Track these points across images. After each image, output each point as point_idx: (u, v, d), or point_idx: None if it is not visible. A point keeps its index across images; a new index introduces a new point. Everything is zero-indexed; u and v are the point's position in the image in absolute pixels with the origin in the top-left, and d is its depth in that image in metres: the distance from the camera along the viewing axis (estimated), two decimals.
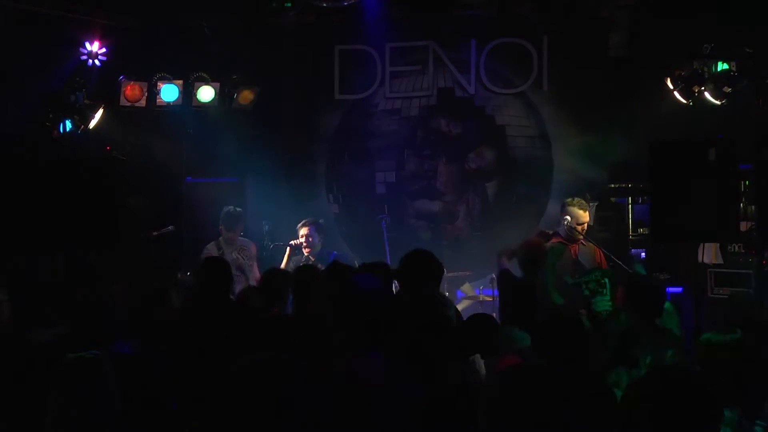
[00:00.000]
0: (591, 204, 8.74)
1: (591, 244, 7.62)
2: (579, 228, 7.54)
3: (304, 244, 8.18)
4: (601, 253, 7.55)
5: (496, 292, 7.73)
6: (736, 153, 6.16)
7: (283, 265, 8.13)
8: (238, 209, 8.61)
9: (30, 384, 4.37)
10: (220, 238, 8.53)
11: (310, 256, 8.13)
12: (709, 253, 8.15)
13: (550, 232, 7.71)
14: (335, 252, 8.26)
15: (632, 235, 9.04)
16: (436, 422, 3.62)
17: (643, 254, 8.79)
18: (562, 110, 9.90)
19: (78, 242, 6.33)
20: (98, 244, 6.41)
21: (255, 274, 8.20)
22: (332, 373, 3.81)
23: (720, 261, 8.24)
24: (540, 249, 6.89)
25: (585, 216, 7.62)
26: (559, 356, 3.90)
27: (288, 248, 8.30)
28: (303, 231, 8.26)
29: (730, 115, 8.26)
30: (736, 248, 8.25)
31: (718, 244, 8.13)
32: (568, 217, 7.57)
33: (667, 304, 5.64)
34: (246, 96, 9.89)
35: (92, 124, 9.15)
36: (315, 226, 8.30)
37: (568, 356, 3.90)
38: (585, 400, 3.63)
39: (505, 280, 6.82)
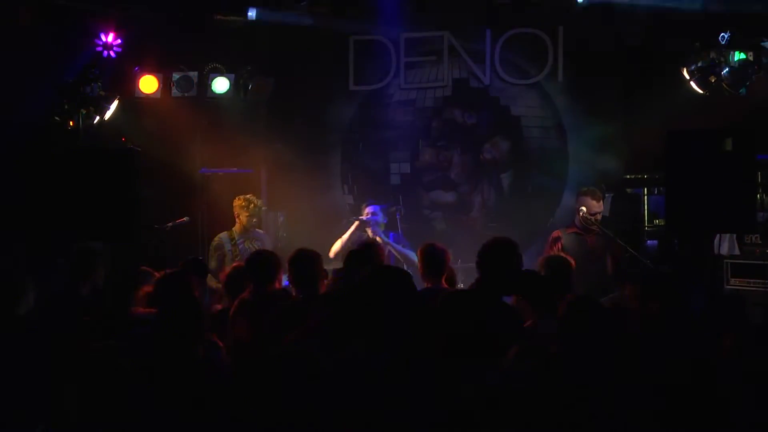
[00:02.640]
0: (606, 195, 8.72)
1: (607, 235, 7.59)
2: (593, 218, 7.54)
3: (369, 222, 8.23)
4: (617, 244, 7.52)
5: None
6: (755, 143, 6.12)
7: (345, 238, 8.21)
8: (259, 200, 8.67)
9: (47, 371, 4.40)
10: (234, 228, 8.56)
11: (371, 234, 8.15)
12: (725, 244, 8.12)
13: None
14: (393, 233, 8.28)
15: (648, 226, 9.00)
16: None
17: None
18: (577, 100, 9.86)
19: (93, 234, 6.35)
20: (113, 235, 6.42)
21: None
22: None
23: (736, 252, 8.20)
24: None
25: (598, 206, 7.61)
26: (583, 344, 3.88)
27: (356, 222, 8.31)
28: (367, 209, 8.34)
29: (747, 105, 8.21)
30: (753, 239, 8.21)
31: (735, 235, 8.10)
32: (584, 208, 7.57)
33: None
34: (261, 87, 9.90)
35: (107, 115, 9.19)
36: (379, 206, 8.38)
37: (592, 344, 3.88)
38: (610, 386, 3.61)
39: None
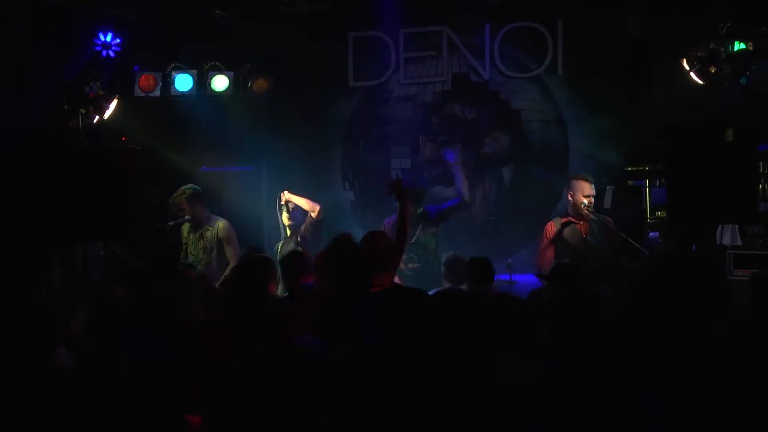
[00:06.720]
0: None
1: (604, 221, 7.57)
2: (586, 201, 7.52)
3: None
4: (615, 231, 7.48)
5: (515, 277, 7.70)
6: (755, 133, 6.10)
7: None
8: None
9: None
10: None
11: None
12: (727, 235, 8.10)
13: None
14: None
15: (650, 219, 8.98)
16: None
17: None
18: (577, 93, 9.82)
19: (94, 233, 6.36)
20: (114, 234, 6.43)
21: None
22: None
23: (738, 243, 8.18)
24: None
25: (588, 188, 7.59)
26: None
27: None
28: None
29: (748, 96, 8.19)
30: (755, 229, 8.18)
31: (737, 226, 8.08)
32: (577, 194, 7.57)
33: None
34: (260, 84, 9.89)
35: (107, 114, 9.18)
36: None
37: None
38: None
39: None
